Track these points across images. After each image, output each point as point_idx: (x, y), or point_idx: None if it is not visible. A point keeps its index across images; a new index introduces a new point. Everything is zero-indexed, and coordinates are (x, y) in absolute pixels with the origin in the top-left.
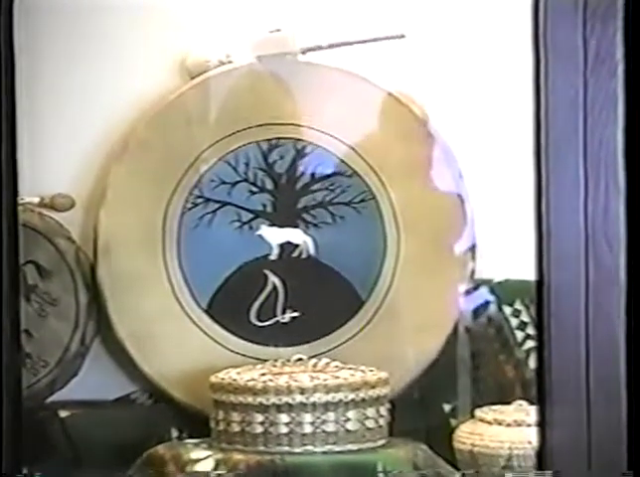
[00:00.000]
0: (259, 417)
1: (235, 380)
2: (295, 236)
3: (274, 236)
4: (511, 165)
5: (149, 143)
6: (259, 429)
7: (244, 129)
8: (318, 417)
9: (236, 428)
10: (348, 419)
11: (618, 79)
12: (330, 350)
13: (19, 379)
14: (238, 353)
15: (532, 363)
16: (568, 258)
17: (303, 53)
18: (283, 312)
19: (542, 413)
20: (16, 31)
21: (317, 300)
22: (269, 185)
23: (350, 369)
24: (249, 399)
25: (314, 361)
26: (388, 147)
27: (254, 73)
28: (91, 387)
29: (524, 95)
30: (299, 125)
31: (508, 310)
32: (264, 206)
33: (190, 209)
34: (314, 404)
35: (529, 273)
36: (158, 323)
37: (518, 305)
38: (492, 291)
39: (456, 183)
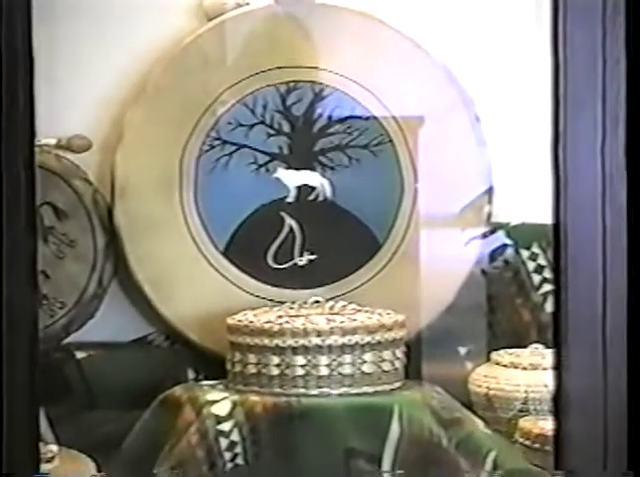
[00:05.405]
0: (276, 359)
1: (251, 322)
2: (312, 178)
3: (291, 178)
4: (528, 108)
5: (166, 86)
6: (275, 371)
7: (262, 72)
8: (334, 360)
9: (252, 370)
10: (364, 362)
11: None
12: (347, 293)
13: (35, 320)
14: (254, 295)
15: (548, 306)
16: (585, 201)
17: None
18: (300, 255)
19: (558, 357)
20: None
21: (334, 243)
22: (286, 128)
23: (366, 312)
24: (266, 342)
25: (331, 303)
26: (405, 90)
27: (272, 15)
28: (108, 328)
29: (542, 39)
30: (317, 68)
31: (525, 254)
32: (281, 148)
33: (207, 151)
34: (330, 347)
35: (545, 217)
36: (175, 265)
37: (535, 249)
38: (508, 235)
39: (473, 126)
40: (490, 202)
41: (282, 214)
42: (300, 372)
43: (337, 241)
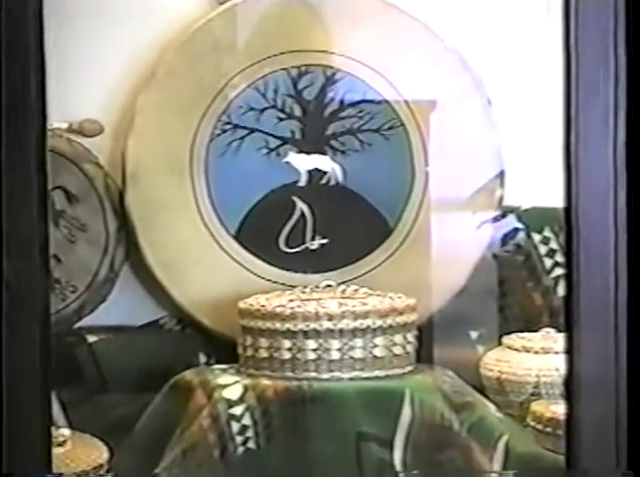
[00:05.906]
0: (287, 343)
1: (263, 306)
2: (323, 163)
3: (303, 162)
4: (540, 91)
5: (177, 70)
6: (287, 355)
7: (273, 56)
8: (345, 344)
9: (263, 354)
10: (375, 346)
11: None
12: (358, 277)
13: (47, 304)
14: (266, 279)
15: (560, 290)
16: (597, 185)
17: None
18: (312, 239)
19: (569, 341)
20: None
21: (345, 227)
22: (298, 112)
23: (378, 295)
24: (277, 326)
25: (342, 287)
26: (416, 74)
27: None
28: (120, 312)
29: (554, 23)
30: (329, 52)
31: (537, 238)
32: (293, 132)
33: (218, 135)
34: (342, 331)
35: (557, 200)
36: (187, 249)
37: (547, 233)
38: (520, 219)
39: (484, 110)
40: (501, 185)
41: (294, 198)
42: (312, 356)
43: (348, 226)
